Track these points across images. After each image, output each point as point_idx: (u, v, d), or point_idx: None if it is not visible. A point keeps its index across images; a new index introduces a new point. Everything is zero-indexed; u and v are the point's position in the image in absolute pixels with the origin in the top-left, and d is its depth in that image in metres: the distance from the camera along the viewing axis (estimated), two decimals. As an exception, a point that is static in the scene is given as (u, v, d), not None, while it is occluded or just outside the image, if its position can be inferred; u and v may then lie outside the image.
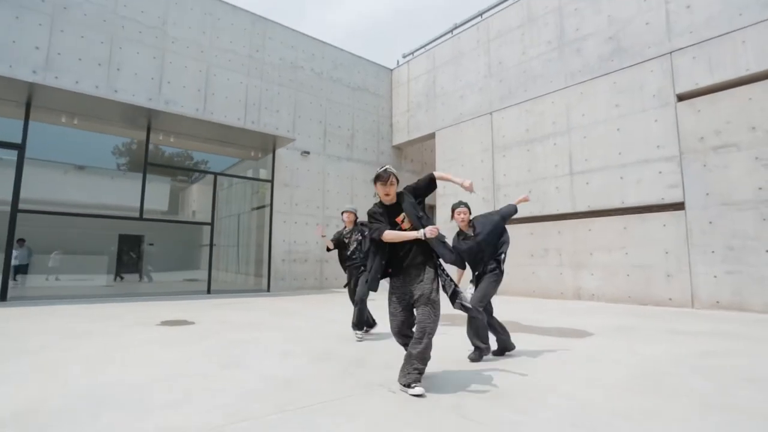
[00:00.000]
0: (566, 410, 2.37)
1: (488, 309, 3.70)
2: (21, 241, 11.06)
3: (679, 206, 7.89)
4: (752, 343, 4.33)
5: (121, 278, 15.29)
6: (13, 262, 9.87)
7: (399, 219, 2.93)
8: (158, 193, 13.61)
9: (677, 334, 4.88)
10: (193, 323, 5.48)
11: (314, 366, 3.38)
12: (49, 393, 2.62)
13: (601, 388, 2.79)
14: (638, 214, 8.44)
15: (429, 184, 3.01)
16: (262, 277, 11.77)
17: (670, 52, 8.21)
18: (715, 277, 7.32)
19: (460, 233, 3.89)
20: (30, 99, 8.28)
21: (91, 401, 2.48)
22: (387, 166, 2.96)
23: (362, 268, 4.75)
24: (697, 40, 7.87)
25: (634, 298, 8.26)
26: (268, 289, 11.35)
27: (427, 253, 2.87)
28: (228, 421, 2.20)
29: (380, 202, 3.02)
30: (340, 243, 5.13)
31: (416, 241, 2.82)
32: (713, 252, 7.37)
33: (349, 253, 5.05)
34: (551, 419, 2.24)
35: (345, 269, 5.15)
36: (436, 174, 3.03)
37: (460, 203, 3.89)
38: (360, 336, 4.53)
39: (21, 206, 8.14)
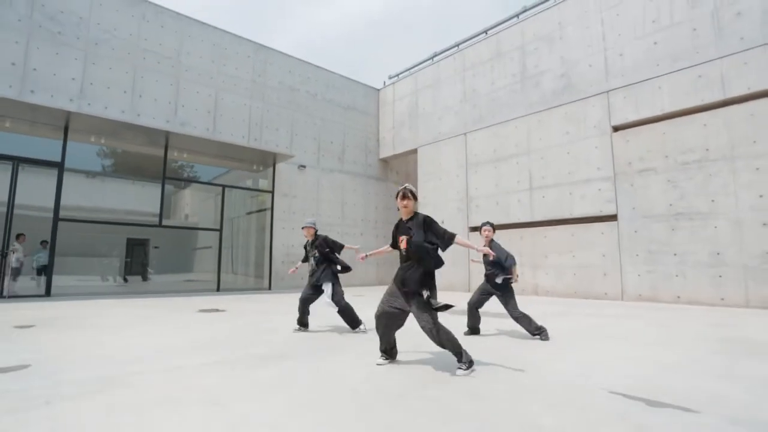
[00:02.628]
0: (485, 349, 4.01)
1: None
2: (44, 243, 12.32)
3: (613, 218, 9.69)
4: (629, 321, 6.06)
5: (125, 280, 16.46)
6: (35, 264, 11.17)
7: (401, 238, 3.41)
8: (152, 197, 15.03)
9: (590, 317, 6.60)
10: (224, 311, 7.00)
11: (326, 331, 4.96)
12: (168, 343, 4.14)
13: (515, 342, 4.44)
14: (583, 223, 10.22)
15: (444, 239, 3.34)
16: (262, 278, 13.24)
17: (607, 91, 10.03)
18: (638, 275, 9.12)
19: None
20: (68, 123, 9.67)
21: (209, 342, 4.02)
22: (406, 185, 3.52)
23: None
24: (628, 82, 9.70)
25: (580, 293, 10.03)
26: (270, 288, 12.84)
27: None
28: (286, 350, 3.78)
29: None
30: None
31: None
32: (637, 255, 9.17)
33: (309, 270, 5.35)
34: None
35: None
36: (458, 240, 3.35)
37: (487, 222, 5.06)
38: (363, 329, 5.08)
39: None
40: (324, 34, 66.03)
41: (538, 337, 4.56)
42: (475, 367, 3.23)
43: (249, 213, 14.46)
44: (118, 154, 12.35)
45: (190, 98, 11.89)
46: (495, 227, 5.13)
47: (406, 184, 3.51)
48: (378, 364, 3.39)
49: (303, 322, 5.12)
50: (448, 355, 3.63)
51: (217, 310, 7.04)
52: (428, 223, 3.36)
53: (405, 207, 3.42)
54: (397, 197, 3.48)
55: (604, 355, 3.77)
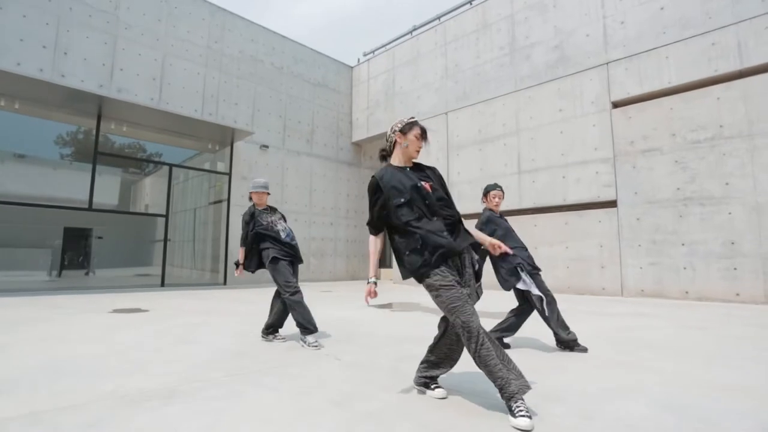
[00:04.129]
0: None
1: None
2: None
3: (612, 204, 8.65)
4: (651, 321, 4.95)
5: (59, 275, 14.39)
6: None
7: (428, 185, 2.29)
8: (108, 186, 13.10)
9: (605, 316, 5.46)
10: (147, 311, 5.48)
11: (264, 342, 3.57)
12: (5, 368, 2.67)
13: (522, 352, 3.19)
14: (577, 210, 9.15)
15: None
16: (218, 272, 11.65)
17: (607, 63, 8.97)
18: (640, 268, 8.11)
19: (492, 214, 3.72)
20: (-34, 80, 7.83)
21: (49, 372, 2.57)
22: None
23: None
24: (629, 53, 8.65)
25: (573, 288, 8.97)
26: (225, 283, 11.28)
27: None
28: (182, 383, 2.37)
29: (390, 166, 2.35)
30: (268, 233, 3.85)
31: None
32: (640, 245, 8.16)
33: (283, 237, 3.86)
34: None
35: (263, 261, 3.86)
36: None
37: (496, 185, 3.81)
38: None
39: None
40: (303, 25, 63.63)
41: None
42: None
43: (210, 203, 12.78)
44: (47, 130, 10.42)
45: (131, 61, 10.13)
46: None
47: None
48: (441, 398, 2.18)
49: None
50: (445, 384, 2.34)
51: (139, 310, 5.50)
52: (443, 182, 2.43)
53: (418, 152, 2.37)
54: (406, 133, 2.31)
55: (668, 378, 2.55)
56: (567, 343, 3.32)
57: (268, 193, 4.13)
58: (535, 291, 3.32)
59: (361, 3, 62.14)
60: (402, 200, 2.18)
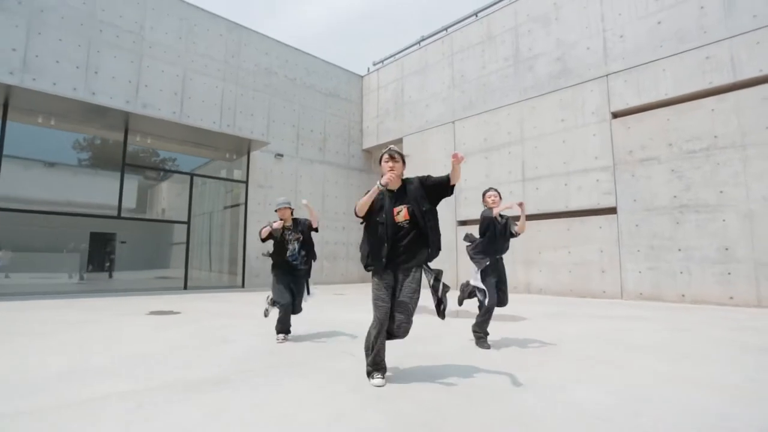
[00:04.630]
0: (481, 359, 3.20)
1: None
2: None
3: (612, 211, 9.02)
4: (640, 324, 5.36)
5: (82, 278, 15.08)
6: None
7: (396, 209, 2.81)
8: (127, 191, 13.81)
9: (595, 318, 5.88)
10: (179, 313, 6.06)
11: (290, 343, 4.09)
12: (85, 361, 3.22)
13: (513, 349, 3.65)
14: (579, 217, 9.54)
15: (442, 183, 2.89)
16: (236, 274, 12.26)
17: (606, 75, 9.34)
18: (639, 272, 8.47)
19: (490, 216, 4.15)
20: (7, 100, 8.52)
21: (128, 364, 3.11)
22: (391, 146, 3.00)
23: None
24: (628, 65, 9.02)
25: (575, 292, 9.35)
26: (243, 286, 11.87)
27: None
28: (231, 374, 2.90)
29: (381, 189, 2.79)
30: (278, 243, 4.35)
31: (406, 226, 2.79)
32: (638, 251, 8.52)
33: (288, 254, 4.33)
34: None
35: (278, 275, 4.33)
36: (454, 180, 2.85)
37: (491, 189, 4.34)
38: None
39: (-1, 205, 8.38)
40: (312, 28, 64.53)
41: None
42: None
43: (226, 207, 13.41)
44: (77, 142, 11.15)
45: (154, 78, 10.79)
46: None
47: (391, 146, 2.98)
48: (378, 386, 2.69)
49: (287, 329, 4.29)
50: (434, 375, 2.82)
51: (171, 313, 6.09)
52: (425, 180, 2.95)
53: (391, 170, 2.85)
54: (380, 162, 2.93)
55: (637, 375, 3.00)
56: (475, 333, 3.95)
57: (287, 208, 4.49)
58: (480, 285, 3.95)
59: (368, 4, 62.78)
60: (377, 219, 2.82)
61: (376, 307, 2.74)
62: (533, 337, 4.43)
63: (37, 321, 5.21)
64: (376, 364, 2.76)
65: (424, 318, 5.78)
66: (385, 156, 2.91)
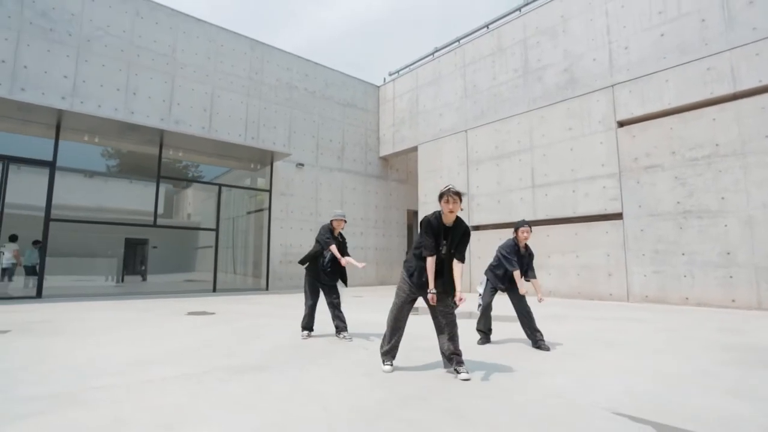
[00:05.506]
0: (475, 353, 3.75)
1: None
2: (36, 242, 12.16)
3: (618, 216, 9.37)
4: (633, 324, 5.77)
5: (120, 281, 16.21)
6: (25, 263, 10.94)
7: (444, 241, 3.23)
8: (151, 197, 14.84)
9: (591, 320, 6.32)
10: (213, 313, 6.79)
11: (313, 339, 4.72)
12: (142, 353, 3.92)
13: (507, 345, 4.18)
14: (586, 222, 9.91)
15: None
16: (260, 277, 13.04)
17: (612, 85, 9.70)
18: (644, 276, 8.81)
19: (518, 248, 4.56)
20: (59, 122, 9.49)
21: (186, 352, 3.79)
22: (450, 185, 3.18)
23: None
24: (633, 76, 9.36)
25: (583, 294, 9.72)
26: (267, 288, 12.64)
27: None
28: (267, 362, 3.54)
29: (439, 214, 3.24)
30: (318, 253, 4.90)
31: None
32: (644, 255, 8.86)
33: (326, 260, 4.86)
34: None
35: (317, 280, 4.92)
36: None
37: (524, 222, 4.64)
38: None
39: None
40: (328, 33, 65.79)
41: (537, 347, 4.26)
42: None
43: (249, 213, 14.24)
44: (114, 153, 12.20)
45: (185, 96, 11.69)
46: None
47: (450, 185, 3.19)
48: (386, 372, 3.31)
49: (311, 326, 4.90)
50: (433, 365, 3.39)
51: (206, 313, 6.82)
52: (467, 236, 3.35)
53: (451, 213, 3.20)
54: (440, 200, 3.21)
55: (607, 367, 3.50)
56: (484, 335, 4.50)
57: (345, 221, 5.06)
58: (480, 291, 4.61)
59: (386, 7, 63.56)
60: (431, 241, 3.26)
61: (397, 295, 3.43)
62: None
63: (93, 319, 6.00)
64: (390, 352, 3.38)
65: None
66: (447, 198, 3.15)
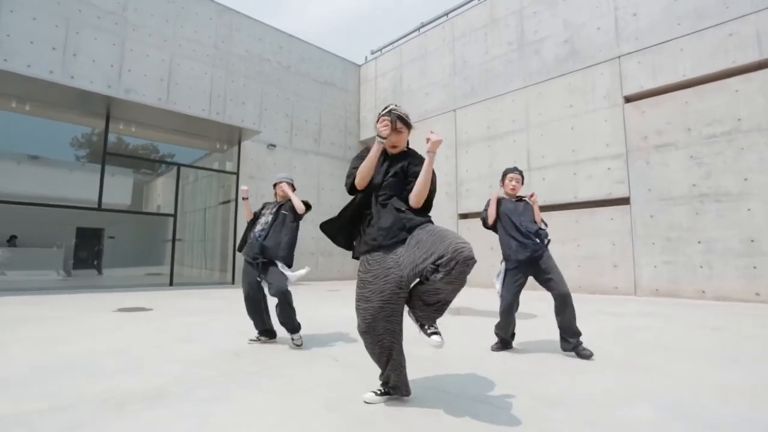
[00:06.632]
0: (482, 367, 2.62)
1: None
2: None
3: (624, 201, 8.43)
4: (665, 322, 4.77)
5: (69, 274, 14.42)
6: None
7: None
8: (121, 187, 13.22)
9: (612, 316, 5.29)
10: (150, 309, 5.47)
11: (264, 344, 3.51)
12: (25, 365, 2.65)
13: (529, 353, 3.06)
14: (589, 208, 8.94)
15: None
16: (226, 271, 11.68)
17: (619, 57, 8.74)
18: (655, 267, 7.88)
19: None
20: (-24, 82, 7.94)
21: (42, 372, 2.53)
22: (391, 105, 2.19)
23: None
24: (642, 46, 8.41)
25: (585, 288, 8.76)
26: (233, 282, 11.29)
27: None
28: (173, 384, 2.31)
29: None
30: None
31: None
32: (653, 243, 7.93)
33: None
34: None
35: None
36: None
37: (514, 168, 3.65)
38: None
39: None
40: (317, 29, 63.85)
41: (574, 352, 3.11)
42: None
43: (220, 203, 12.80)
44: (58, 131, 10.53)
45: (139, 62, 10.19)
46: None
47: (391, 105, 2.18)
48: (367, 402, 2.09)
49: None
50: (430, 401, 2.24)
51: (141, 309, 5.49)
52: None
53: (394, 147, 2.19)
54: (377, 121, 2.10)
55: (680, 383, 2.41)
56: (502, 340, 3.35)
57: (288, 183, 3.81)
58: (498, 288, 3.36)
59: (371, 2, 62.10)
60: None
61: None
62: (547, 338, 3.85)
63: (10, 318, 4.64)
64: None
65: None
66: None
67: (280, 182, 3.81)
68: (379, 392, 2.10)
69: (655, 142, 8.08)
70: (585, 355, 3.02)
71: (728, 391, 2.24)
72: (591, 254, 8.73)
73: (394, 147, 2.18)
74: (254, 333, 3.62)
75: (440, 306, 1.93)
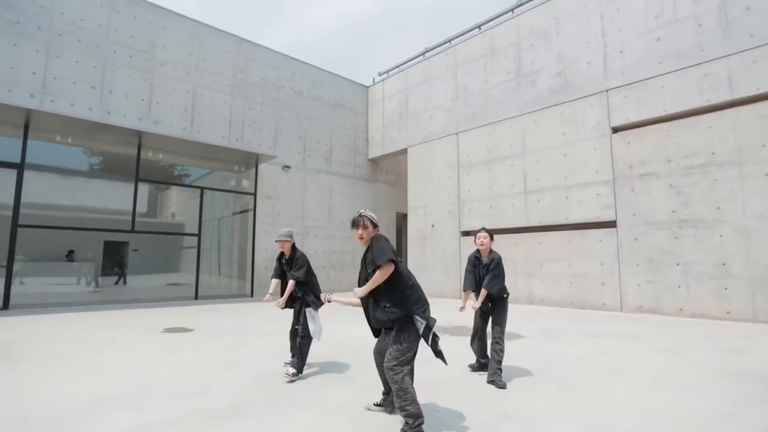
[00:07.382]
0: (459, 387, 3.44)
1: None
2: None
3: (611, 224, 9.19)
4: (629, 344, 5.55)
5: (97, 285, 15.39)
6: None
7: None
8: (138, 196, 14.23)
9: (590, 336, 6.08)
10: (192, 330, 6.37)
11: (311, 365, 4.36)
12: (107, 388, 3.52)
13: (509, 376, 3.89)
14: (580, 230, 9.71)
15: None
16: (245, 280, 12.59)
17: (607, 90, 9.50)
18: (638, 285, 8.63)
19: (479, 259, 4.23)
20: (28, 121, 8.91)
21: (142, 389, 3.40)
22: (362, 211, 2.92)
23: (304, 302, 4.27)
24: (628, 81, 9.17)
25: (576, 303, 9.52)
26: (252, 295, 12.20)
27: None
28: (240, 402, 3.17)
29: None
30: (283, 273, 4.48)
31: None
32: (638, 264, 8.68)
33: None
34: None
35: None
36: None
37: (483, 229, 4.30)
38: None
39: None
40: (317, 31, 65.01)
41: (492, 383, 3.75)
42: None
43: (234, 213, 13.72)
44: (92, 153, 11.55)
45: (166, 95, 11.16)
46: (492, 235, 4.36)
47: (362, 210, 2.92)
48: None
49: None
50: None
51: (183, 330, 6.40)
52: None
53: (360, 239, 2.87)
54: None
55: (608, 405, 3.22)
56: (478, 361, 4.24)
57: (286, 241, 4.41)
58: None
59: (373, 5, 63.02)
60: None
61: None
62: (525, 359, 4.65)
63: (58, 340, 5.55)
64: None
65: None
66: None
67: (281, 240, 4.40)
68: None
69: (640, 171, 8.83)
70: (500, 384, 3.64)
71: (646, 412, 3.04)
72: (581, 272, 9.49)
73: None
74: (288, 356, 4.47)
75: None
